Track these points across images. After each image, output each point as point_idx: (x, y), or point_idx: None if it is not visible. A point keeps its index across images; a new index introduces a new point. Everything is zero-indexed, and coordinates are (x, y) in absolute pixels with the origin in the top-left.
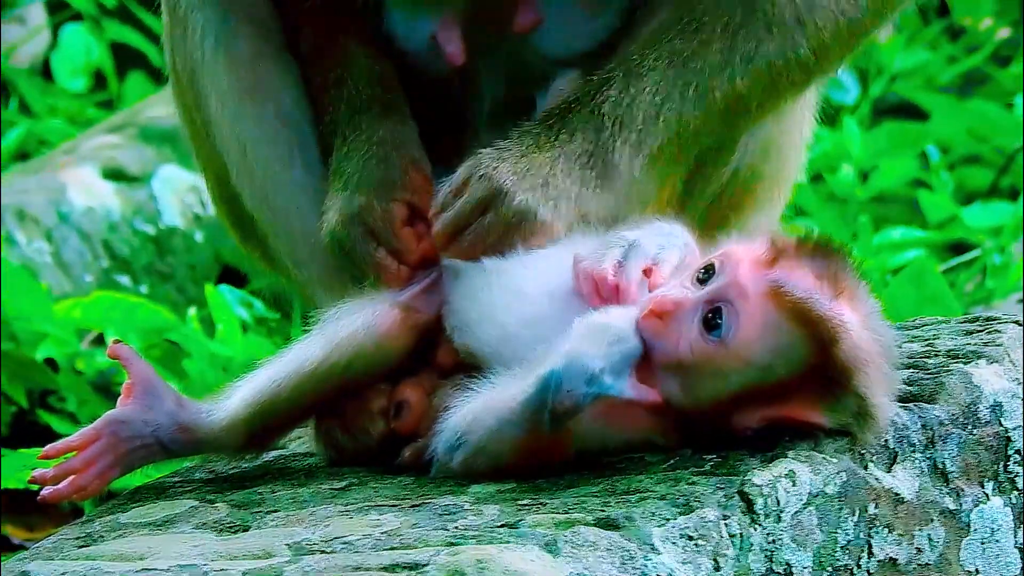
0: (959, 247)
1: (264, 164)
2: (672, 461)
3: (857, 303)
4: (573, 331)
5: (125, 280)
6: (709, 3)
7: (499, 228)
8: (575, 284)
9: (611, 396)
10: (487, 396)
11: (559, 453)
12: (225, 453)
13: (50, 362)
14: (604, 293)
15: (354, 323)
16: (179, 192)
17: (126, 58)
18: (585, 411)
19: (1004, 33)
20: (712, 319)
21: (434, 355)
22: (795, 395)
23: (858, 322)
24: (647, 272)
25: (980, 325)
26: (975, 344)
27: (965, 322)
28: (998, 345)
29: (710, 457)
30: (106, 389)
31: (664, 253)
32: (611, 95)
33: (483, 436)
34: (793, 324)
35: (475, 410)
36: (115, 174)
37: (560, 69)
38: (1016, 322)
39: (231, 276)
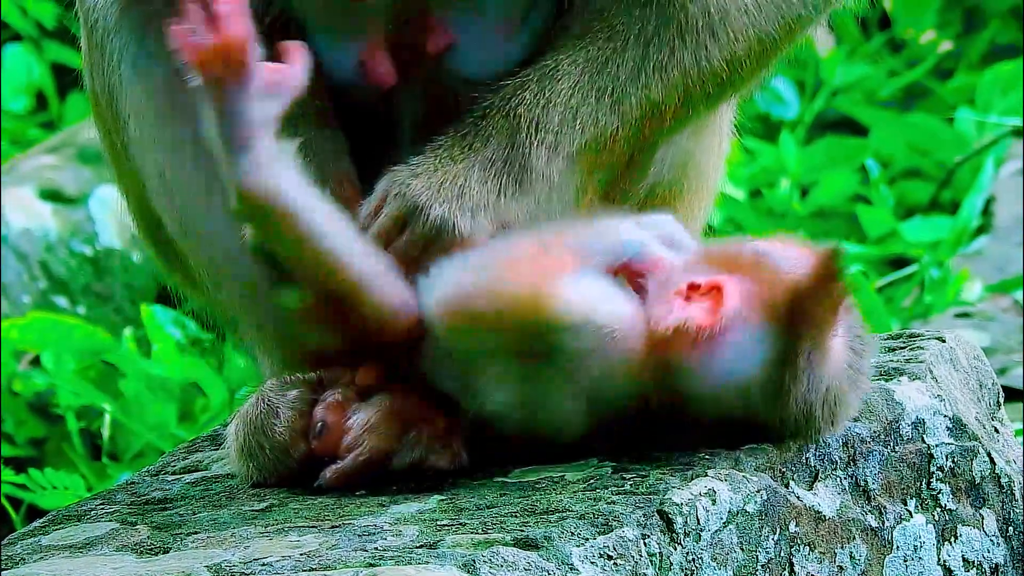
0: (899, 262)
1: (183, 187)
2: (591, 480)
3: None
4: None
5: (62, 301)
6: (622, 13)
7: (419, 244)
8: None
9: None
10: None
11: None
12: None
13: None
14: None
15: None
16: (116, 212)
17: (67, 79)
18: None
19: (946, 46)
20: None
21: (354, 376)
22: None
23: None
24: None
25: (903, 342)
26: (897, 361)
27: (888, 339)
28: (920, 362)
29: (630, 476)
30: (43, 410)
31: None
32: (526, 97)
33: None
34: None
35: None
36: (53, 195)
37: (478, 88)
38: (939, 339)
39: (168, 297)
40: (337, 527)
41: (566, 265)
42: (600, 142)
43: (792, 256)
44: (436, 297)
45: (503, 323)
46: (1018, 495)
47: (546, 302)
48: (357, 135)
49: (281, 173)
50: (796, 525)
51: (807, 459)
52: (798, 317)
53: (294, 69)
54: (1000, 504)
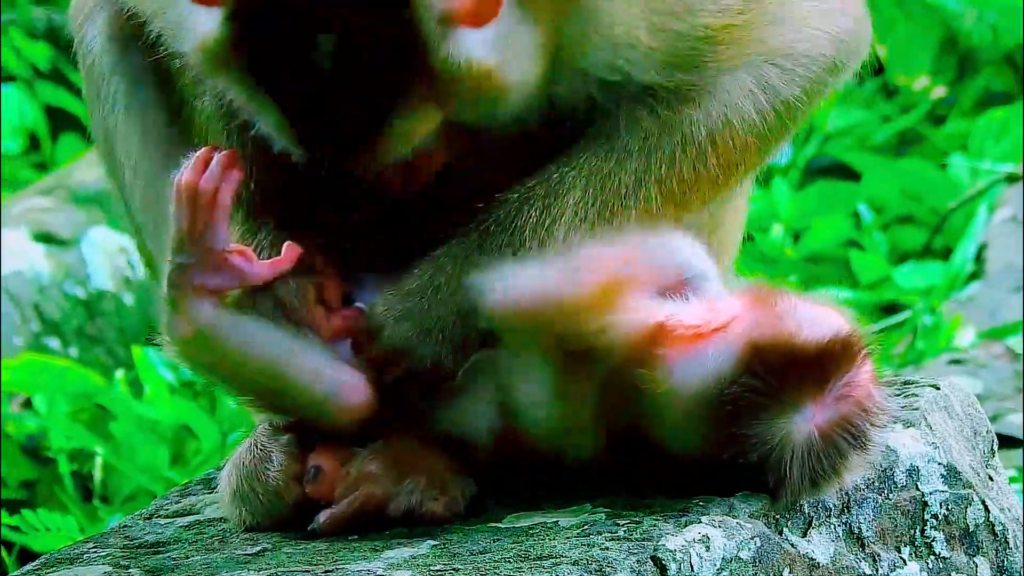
0: (891, 308)
1: None
2: (585, 526)
3: None
4: None
5: (55, 343)
6: (629, 121)
7: (406, 381)
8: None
9: None
10: None
11: None
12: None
13: None
14: None
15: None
16: (109, 254)
17: (60, 120)
18: None
19: (939, 92)
20: None
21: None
22: None
23: None
24: None
25: (897, 389)
26: (892, 408)
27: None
28: (915, 409)
29: (623, 522)
30: (35, 453)
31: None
32: (532, 216)
33: None
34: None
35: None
36: (45, 237)
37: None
38: (933, 386)
39: None
40: (330, 571)
41: (634, 285)
42: None
43: (818, 323)
44: (504, 291)
45: (560, 322)
46: (1012, 543)
47: (602, 312)
48: (366, 220)
49: (208, 311)
50: (790, 572)
51: (801, 506)
52: (770, 373)
53: (260, 267)
54: (994, 552)
